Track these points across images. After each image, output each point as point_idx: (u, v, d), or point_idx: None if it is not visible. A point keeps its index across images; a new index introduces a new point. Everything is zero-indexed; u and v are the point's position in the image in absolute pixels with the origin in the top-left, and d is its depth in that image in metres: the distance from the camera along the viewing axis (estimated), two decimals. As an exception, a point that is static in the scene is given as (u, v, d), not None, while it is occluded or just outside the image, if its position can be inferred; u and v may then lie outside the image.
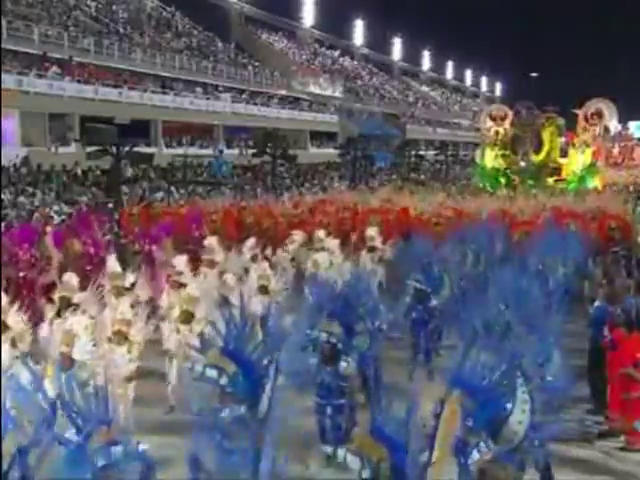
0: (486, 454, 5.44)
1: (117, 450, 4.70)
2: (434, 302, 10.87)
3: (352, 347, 8.25)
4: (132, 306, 9.72)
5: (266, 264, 11.99)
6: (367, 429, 5.14)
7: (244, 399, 5.84)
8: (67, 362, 7.33)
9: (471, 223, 16.48)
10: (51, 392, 5.42)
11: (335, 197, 23.05)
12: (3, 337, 8.06)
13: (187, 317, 9.38)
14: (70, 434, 4.82)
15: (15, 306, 8.65)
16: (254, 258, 12.78)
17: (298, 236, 15.18)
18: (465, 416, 5.42)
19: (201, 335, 8.62)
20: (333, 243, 14.41)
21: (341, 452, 5.16)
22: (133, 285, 10.75)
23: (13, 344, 8.14)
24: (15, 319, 8.47)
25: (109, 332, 8.49)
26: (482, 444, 5.45)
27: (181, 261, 11.56)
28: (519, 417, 5.70)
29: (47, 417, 4.93)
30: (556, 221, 17.56)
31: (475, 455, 5.43)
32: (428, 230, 16.82)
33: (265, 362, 5.94)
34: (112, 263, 11.06)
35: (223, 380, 5.85)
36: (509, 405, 5.72)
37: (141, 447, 4.80)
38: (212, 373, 5.87)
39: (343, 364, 7.90)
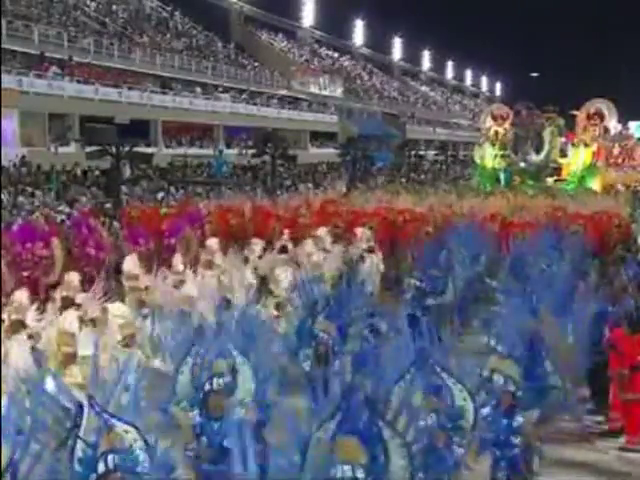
0: (467, 445, 5.55)
1: (114, 459, 4.67)
2: (430, 301, 10.91)
3: (344, 349, 8.24)
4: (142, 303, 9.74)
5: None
6: None
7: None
8: (70, 361, 7.30)
9: (467, 224, 16.42)
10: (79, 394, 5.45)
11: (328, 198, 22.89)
12: (21, 334, 8.07)
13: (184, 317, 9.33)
14: (92, 435, 4.83)
15: (34, 305, 8.67)
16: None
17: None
18: (438, 418, 5.58)
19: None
20: (326, 241, 14.43)
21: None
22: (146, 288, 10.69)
23: (31, 339, 8.16)
24: (33, 317, 8.47)
25: (119, 335, 8.42)
26: (458, 439, 5.63)
27: (178, 260, 11.58)
28: (465, 403, 5.83)
29: (73, 418, 4.93)
30: (556, 221, 17.55)
31: (460, 450, 5.59)
32: (421, 232, 16.87)
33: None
34: (129, 264, 11.00)
35: (227, 380, 6.05)
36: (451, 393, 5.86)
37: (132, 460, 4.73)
38: (220, 382, 6.00)
39: (337, 362, 7.83)
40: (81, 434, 4.82)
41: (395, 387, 5.58)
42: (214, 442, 5.85)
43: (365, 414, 5.05)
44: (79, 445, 4.78)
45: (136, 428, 4.84)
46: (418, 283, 11.13)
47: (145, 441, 4.85)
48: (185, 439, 5.96)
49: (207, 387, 6.01)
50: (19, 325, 8.25)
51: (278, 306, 10.38)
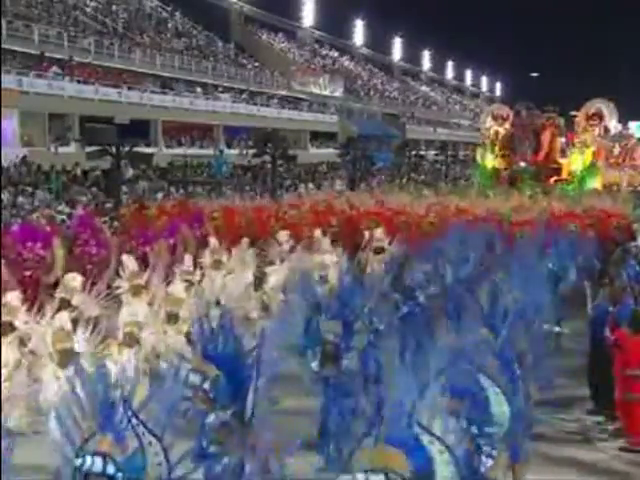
0: (497, 456, 5.31)
1: (97, 463, 4.52)
2: (422, 298, 10.90)
3: (351, 345, 8.22)
4: (149, 304, 9.72)
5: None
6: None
7: (227, 404, 5.77)
8: (67, 358, 7.28)
9: (468, 223, 16.44)
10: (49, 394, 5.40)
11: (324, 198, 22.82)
12: (10, 337, 8.04)
13: (172, 318, 9.28)
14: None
15: (24, 306, 8.63)
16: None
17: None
18: (468, 424, 5.16)
19: (188, 336, 8.58)
20: (326, 242, 14.46)
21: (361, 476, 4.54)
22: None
23: (21, 344, 8.12)
24: (23, 319, 8.44)
25: (120, 333, 8.40)
26: (488, 448, 5.29)
27: (189, 260, 11.55)
28: (501, 408, 5.57)
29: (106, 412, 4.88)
30: (557, 221, 17.56)
31: (488, 461, 5.28)
32: (422, 230, 16.88)
33: (248, 364, 5.89)
34: (130, 262, 10.99)
35: (206, 385, 5.82)
36: (486, 396, 5.56)
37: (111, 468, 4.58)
38: (195, 378, 5.84)
39: (345, 361, 7.82)
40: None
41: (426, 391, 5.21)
42: None
43: (403, 420, 4.43)
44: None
45: (163, 447, 4.73)
46: (408, 281, 11.14)
47: (167, 459, 4.75)
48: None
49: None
50: (7, 327, 8.21)
51: (265, 307, 10.38)
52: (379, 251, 14.54)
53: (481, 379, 5.62)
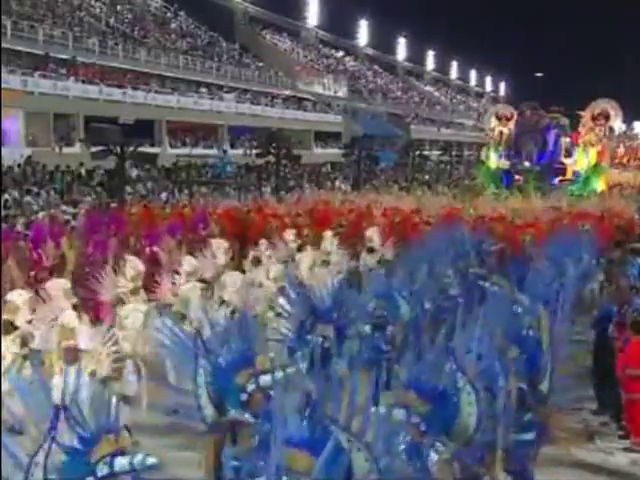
0: (444, 453, 5.44)
1: (121, 461, 4.48)
2: (427, 305, 10.83)
3: (343, 350, 8.11)
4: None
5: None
6: None
7: None
8: (73, 355, 7.30)
9: (474, 224, 16.44)
10: (56, 394, 5.39)
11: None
12: (11, 337, 8.05)
13: (179, 318, 9.28)
14: (72, 440, 4.58)
15: (26, 305, 8.64)
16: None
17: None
18: (417, 421, 5.43)
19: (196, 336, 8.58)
20: (330, 242, 14.48)
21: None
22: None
23: (23, 343, 8.13)
24: (25, 318, 8.45)
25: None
26: (438, 444, 5.46)
27: (190, 262, 11.56)
28: (468, 410, 5.66)
29: (51, 421, 4.80)
30: (561, 222, 17.56)
31: (433, 456, 5.43)
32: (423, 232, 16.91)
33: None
34: (136, 262, 10.99)
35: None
36: (455, 400, 5.69)
37: (150, 460, 4.49)
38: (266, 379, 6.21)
39: (335, 367, 7.65)
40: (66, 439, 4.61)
41: None
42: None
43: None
44: (65, 449, 4.55)
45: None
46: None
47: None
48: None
49: (251, 387, 6.03)
50: (9, 326, 8.23)
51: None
52: (370, 251, 14.60)
53: (458, 377, 5.72)
